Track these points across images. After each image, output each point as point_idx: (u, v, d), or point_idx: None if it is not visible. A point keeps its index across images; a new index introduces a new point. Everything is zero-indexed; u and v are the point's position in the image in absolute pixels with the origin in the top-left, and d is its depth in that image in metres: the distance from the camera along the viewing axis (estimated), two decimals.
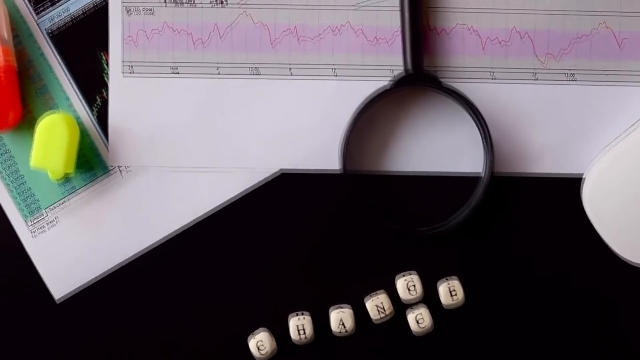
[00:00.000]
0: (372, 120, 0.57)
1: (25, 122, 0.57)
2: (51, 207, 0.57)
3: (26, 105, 0.57)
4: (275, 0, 0.57)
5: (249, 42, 0.57)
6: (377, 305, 0.56)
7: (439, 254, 0.58)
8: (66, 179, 0.57)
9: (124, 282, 0.58)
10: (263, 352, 0.56)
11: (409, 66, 0.56)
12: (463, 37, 0.57)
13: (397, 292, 0.57)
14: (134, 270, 0.57)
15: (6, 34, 0.56)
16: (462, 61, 0.57)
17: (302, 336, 0.56)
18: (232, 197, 0.57)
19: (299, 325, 0.56)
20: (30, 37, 0.57)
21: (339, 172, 0.57)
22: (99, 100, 0.57)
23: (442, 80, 0.57)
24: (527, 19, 0.57)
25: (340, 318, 0.56)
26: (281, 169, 0.57)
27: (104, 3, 0.57)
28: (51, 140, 0.54)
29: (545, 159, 0.58)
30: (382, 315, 0.56)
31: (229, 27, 0.57)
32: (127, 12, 0.57)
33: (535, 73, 0.58)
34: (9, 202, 0.57)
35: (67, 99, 0.57)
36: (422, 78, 0.56)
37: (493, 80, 0.57)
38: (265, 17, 0.57)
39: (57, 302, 0.58)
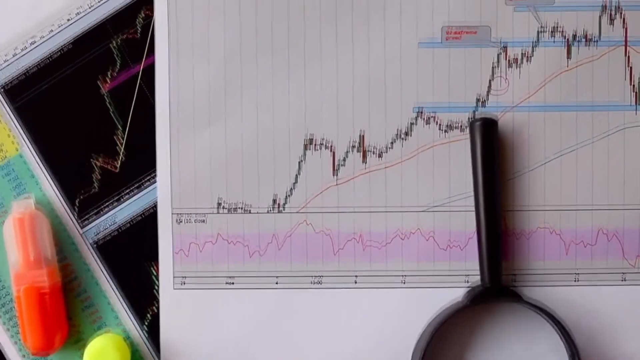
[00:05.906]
0: (445, 333, 0.52)
1: (71, 340, 0.53)
2: None
3: (72, 321, 0.53)
4: (337, 204, 0.52)
5: (309, 250, 0.53)
6: None
7: None
8: None
9: None
10: None
11: (486, 279, 0.51)
12: (544, 240, 0.52)
13: None
14: None
15: (50, 253, 0.51)
16: (544, 265, 0.52)
17: None
18: None
19: None
20: (74, 249, 0.53)
21: None
22: (149, 315, 0.53)
23: (521, 286, 0.52)
24: (614, 217, 0.52)
25: None
26: None
27: (153, 211, 0.53)
28: None
29: None
30: None
31: (288, 235, 0.52)
32: (178, 221, 0.53)
33: (624, 274, 0.52)
34: None
35: (115, 314, 0.53)
36: (501, 293, 0.51)
37: (577, 283, 0.52)
38: (327, 223, 0.52)
39: None
